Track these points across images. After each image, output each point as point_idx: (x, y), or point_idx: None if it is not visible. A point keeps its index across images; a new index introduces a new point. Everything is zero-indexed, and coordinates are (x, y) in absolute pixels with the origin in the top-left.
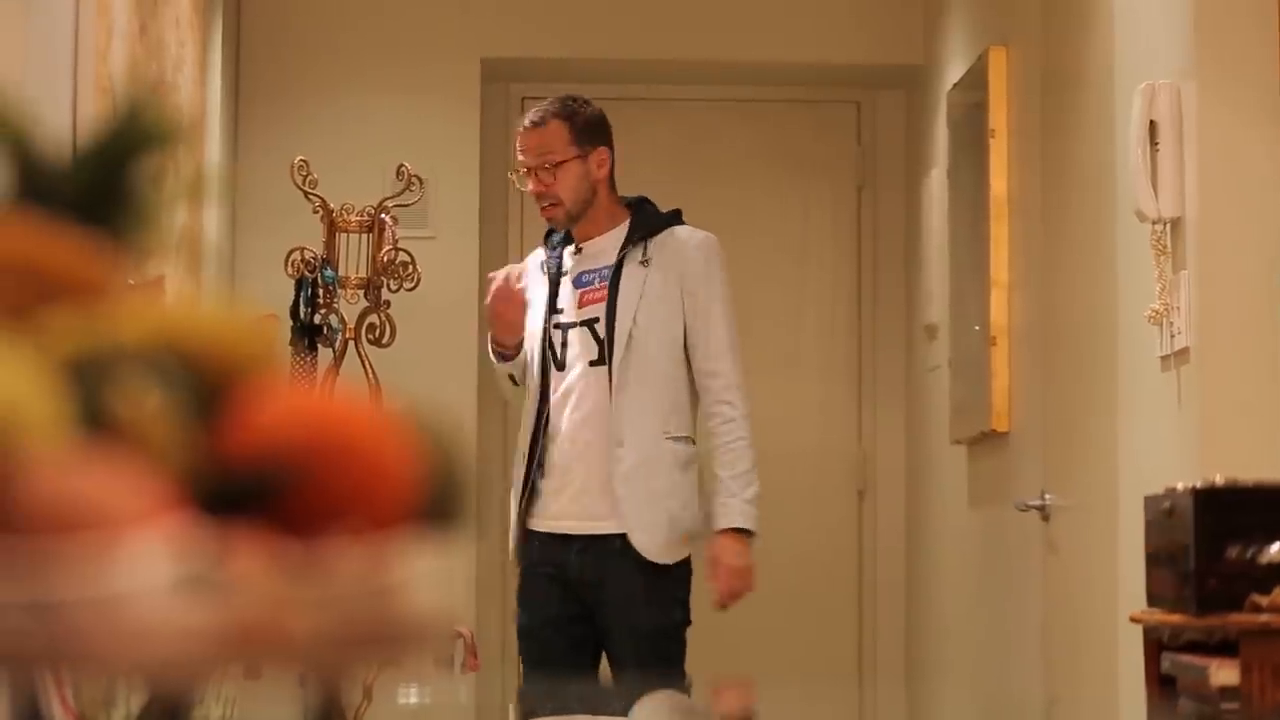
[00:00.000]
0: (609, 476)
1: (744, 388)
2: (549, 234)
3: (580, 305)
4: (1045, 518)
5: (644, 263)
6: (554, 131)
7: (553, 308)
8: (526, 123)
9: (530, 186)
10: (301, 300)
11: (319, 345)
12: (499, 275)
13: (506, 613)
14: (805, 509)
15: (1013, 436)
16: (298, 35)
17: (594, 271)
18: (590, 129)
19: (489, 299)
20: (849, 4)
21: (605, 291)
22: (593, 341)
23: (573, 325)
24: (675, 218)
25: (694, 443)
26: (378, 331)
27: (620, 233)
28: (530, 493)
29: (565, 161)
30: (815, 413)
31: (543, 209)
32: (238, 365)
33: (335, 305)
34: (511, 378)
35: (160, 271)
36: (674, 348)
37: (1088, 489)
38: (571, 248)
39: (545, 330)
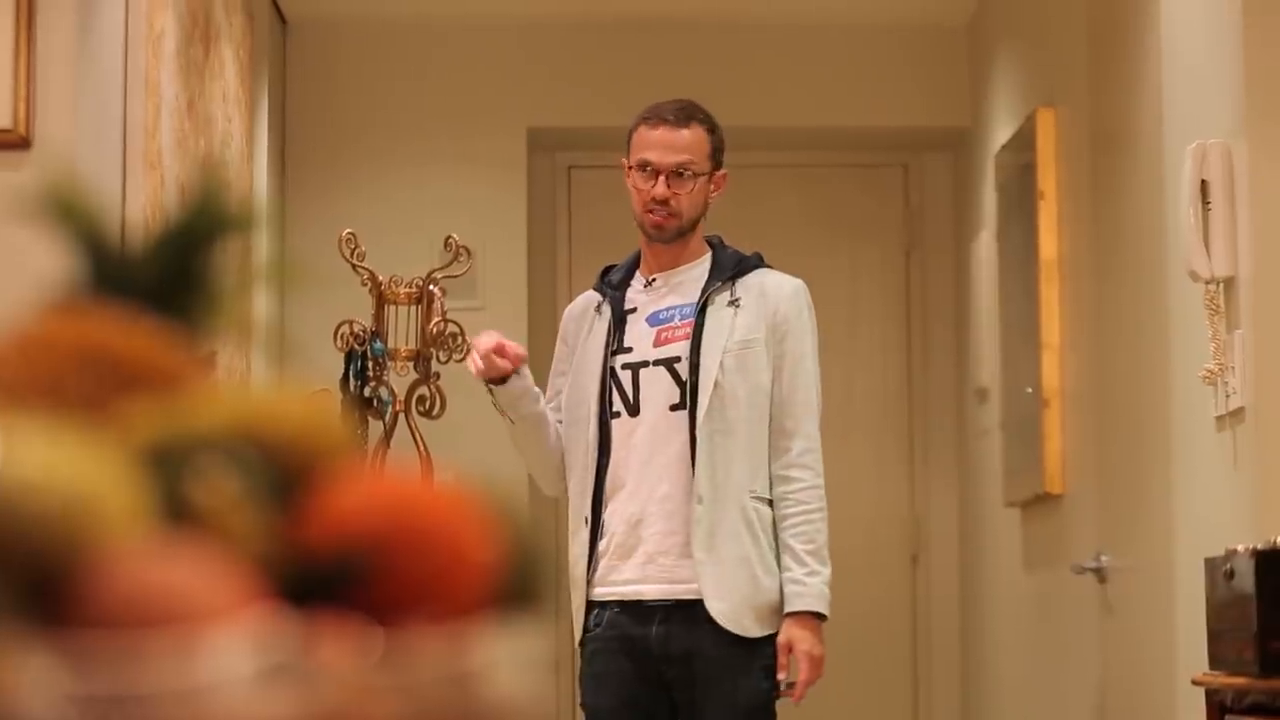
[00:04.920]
0: (690, 535)
1: (821, 454)
2: (605, 273)
3: (658, 344)
4: (1102, 580)
5: (733, 304)
6: (697, 138)
7: (619, 346)
8: (667, 116)
9: (657, 188)
10: (351, 373)
11: (369, 418)
12: (488, 344)
13: (560, 693)
14: (858, 575)
15: (1067, 499)
16: (344, 107)
17: (674, 308)
18: (722, 147)
19: (479, 350)
20: (895, 68)
21: (688, 330)
22: (673, 383)
23: (645, 365)
24: (761, 261)
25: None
26: (428, 403)
27: (701, 268)
28: (590, 557)
29: (701, 174)
30: (867, 478)
31: (657, 216)
32: (316, 451)
33: (385, 378)
34: (505, 413)
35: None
36: (761, 398)
37: (1144, 550)
38: (639, 282)
39: (606, 373)
